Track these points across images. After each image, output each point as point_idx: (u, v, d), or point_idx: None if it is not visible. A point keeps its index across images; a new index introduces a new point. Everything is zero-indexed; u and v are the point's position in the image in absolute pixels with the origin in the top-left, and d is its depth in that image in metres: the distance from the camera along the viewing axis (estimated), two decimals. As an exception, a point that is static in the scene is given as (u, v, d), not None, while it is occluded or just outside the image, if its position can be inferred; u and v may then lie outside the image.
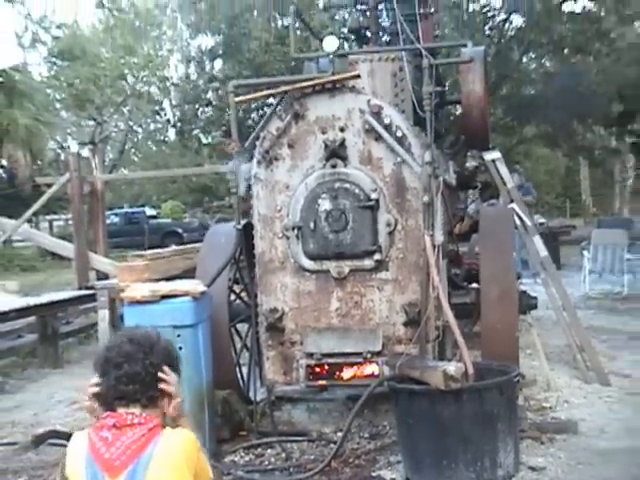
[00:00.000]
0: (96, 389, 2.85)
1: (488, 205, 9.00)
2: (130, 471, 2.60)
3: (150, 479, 2.60)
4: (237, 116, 7.20)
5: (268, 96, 7.18)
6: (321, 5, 27.72)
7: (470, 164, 8.60)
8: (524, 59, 30.06)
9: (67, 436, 5.60)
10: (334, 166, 6.45)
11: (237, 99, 6.88)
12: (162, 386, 2.83)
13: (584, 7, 28.61)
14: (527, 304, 7.38)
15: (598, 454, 5.89)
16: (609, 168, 40.25)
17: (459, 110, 8.73)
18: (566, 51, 27.79)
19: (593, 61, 27.06)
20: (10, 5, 31.58)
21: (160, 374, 2.83)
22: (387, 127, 6.33)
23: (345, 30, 25.74)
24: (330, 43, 6.57)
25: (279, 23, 30.23)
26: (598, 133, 34.55)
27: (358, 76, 6.53)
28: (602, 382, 7.83)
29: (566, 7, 28.48)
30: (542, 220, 19.84)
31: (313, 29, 10.38)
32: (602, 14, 26.92)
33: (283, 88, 6.73)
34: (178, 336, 5.86)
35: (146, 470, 2.60)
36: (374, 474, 5.67)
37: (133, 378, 2.78)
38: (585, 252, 14.75)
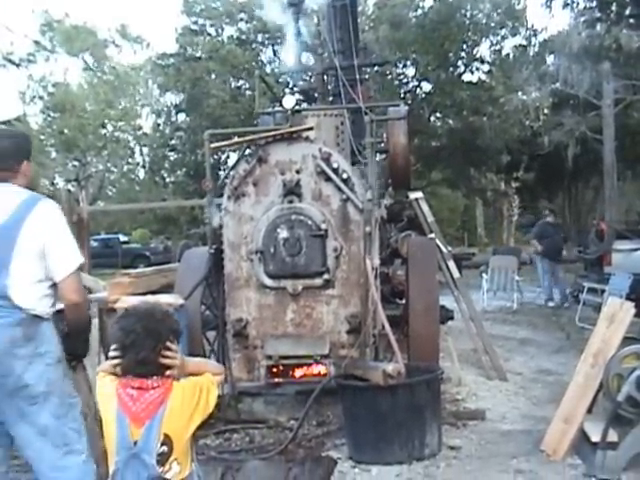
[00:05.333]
0: (117, 361, 2.93)
1: (405, 236, 9.00)
2: (148, 424, 2.82)
3: (164, 428, 2.82)
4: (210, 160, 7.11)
5: (238, 143, 7.12)
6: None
7: (387, 201, 8.59)
8: (432, 118, 30.61)
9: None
10: (291, 202, 6.42)
11: (212, 145, 6.86)
12: (166, 362, 2.91)
13: (479, 78, 29.35)
14: (445, 316, 7.44)
15: (501, 435, 6.01)
16: (499, 207, 41.17)
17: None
18: (465, 112, 28.30)
19: (486, 121, 27.58)
20: (16, 67, 31.31)
21: (164, 352, 2.91)
22: (335, 170, 6.34)
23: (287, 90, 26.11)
24: (288, 101, 6.59)
25: (233, 85, 30.30)
26: (490, 179, 35.29)
27: (312, 128, 6.56)
28: (501, 378, 7.94)
29: (465, 77, 29.22)
30: (449, 248, 20.01)
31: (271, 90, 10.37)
32: (493, 84, 27.54)
33: (250, 137, 6.73)
34: (161, 341, 5.81)
35: (160, 423, 2.82)
36: (323, 454, 5.62)
37: (146, 362, 2.88)
38: (484, 274, 14.97)
